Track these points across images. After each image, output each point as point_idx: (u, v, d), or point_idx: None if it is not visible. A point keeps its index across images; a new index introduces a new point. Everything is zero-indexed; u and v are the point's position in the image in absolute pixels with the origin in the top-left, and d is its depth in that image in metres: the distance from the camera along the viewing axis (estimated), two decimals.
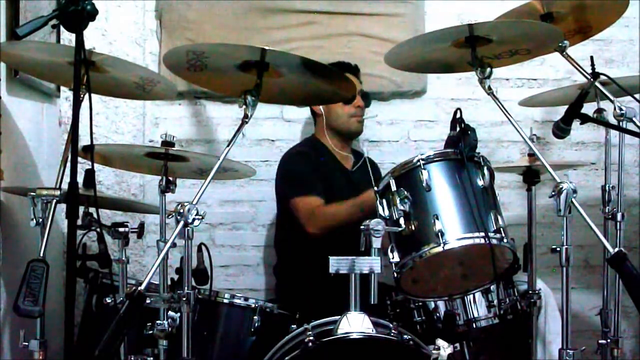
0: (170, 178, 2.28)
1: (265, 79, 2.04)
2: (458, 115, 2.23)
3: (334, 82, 2.26)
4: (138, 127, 3.22)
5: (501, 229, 2.17)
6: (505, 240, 2.16)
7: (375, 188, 2.29)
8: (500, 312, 2.36)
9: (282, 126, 3.35)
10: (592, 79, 2.25)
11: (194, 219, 1.85)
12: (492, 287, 2.33)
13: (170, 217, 1.92)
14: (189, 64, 2.07)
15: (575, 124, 2.17)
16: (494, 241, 2.13)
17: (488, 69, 2.08)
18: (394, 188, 2.20)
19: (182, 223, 1.84)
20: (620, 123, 2.15)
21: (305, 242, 2.82)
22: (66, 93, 3.05)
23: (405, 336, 2.05)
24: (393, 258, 2.15)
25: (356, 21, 3.35)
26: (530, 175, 2.55)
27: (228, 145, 1.95)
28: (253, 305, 2.46)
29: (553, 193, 1.92)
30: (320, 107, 3.02)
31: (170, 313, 2.02)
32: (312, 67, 2.12)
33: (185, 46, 2.19)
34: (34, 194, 1.90)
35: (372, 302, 2.01)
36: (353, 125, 3.04)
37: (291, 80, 2.17)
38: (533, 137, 2.29)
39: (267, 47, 1.97)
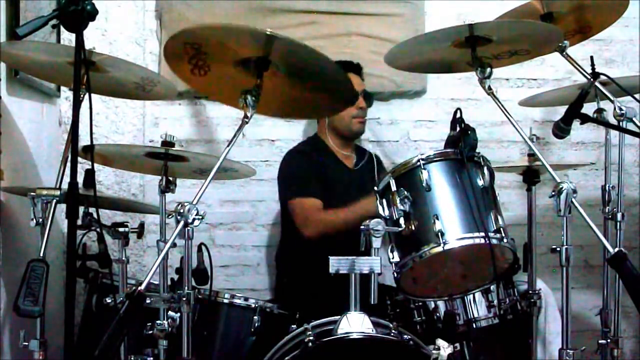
0: (170, 178, 2.28)
1: (264, 91, 2.00)
2: (458, 115, 2.23)
3: (334, 91, 2.21)
4: (138, 127, 3.22)
5: (501, 229, 2.16)
6: (505, 240, 2.16)
7: (376, 188, 2.29)
8: (500, 312, 2.35)
9: (282, 126, 3.34)
10: (592, 79, 2.25)
11: (194, 219, 1.84)
12: (492, 287, 2.32)
13: (170, 217, 1.92)
14: (190, 55, 2.01)
15: (575, 124, 2.17)
16: (494, 241, 2.12)
17: (488, 69, 2.08)
18: (394, 188, 2.19)
19: (182, 223, 1.83)
20: (620, 123, 2.15)
21: (305, 242, 2.82)
22: (66, 93, 3.05)
23: (405, 336, 2.05)
24: (393, 258, 2.16)
25: (356, 21, 3.35)
26: (530, 175, 2.54)
27: (228, 145, 1.95)
28: (253, 305, 2.46)
29: (553, 193, 1.92)
30: None
31: (170, 313, 2.02)
32: (311, 73, 2.09)
33: (184, 30, 2.04)
34: (34, 194, 1.90)
35: (372, 302, 2.01)
36: (355, 127, 3.05)
37: (290, 92, 2.15)
38: (533, 137, 2.29)
39: (270, 31, 1.87)
